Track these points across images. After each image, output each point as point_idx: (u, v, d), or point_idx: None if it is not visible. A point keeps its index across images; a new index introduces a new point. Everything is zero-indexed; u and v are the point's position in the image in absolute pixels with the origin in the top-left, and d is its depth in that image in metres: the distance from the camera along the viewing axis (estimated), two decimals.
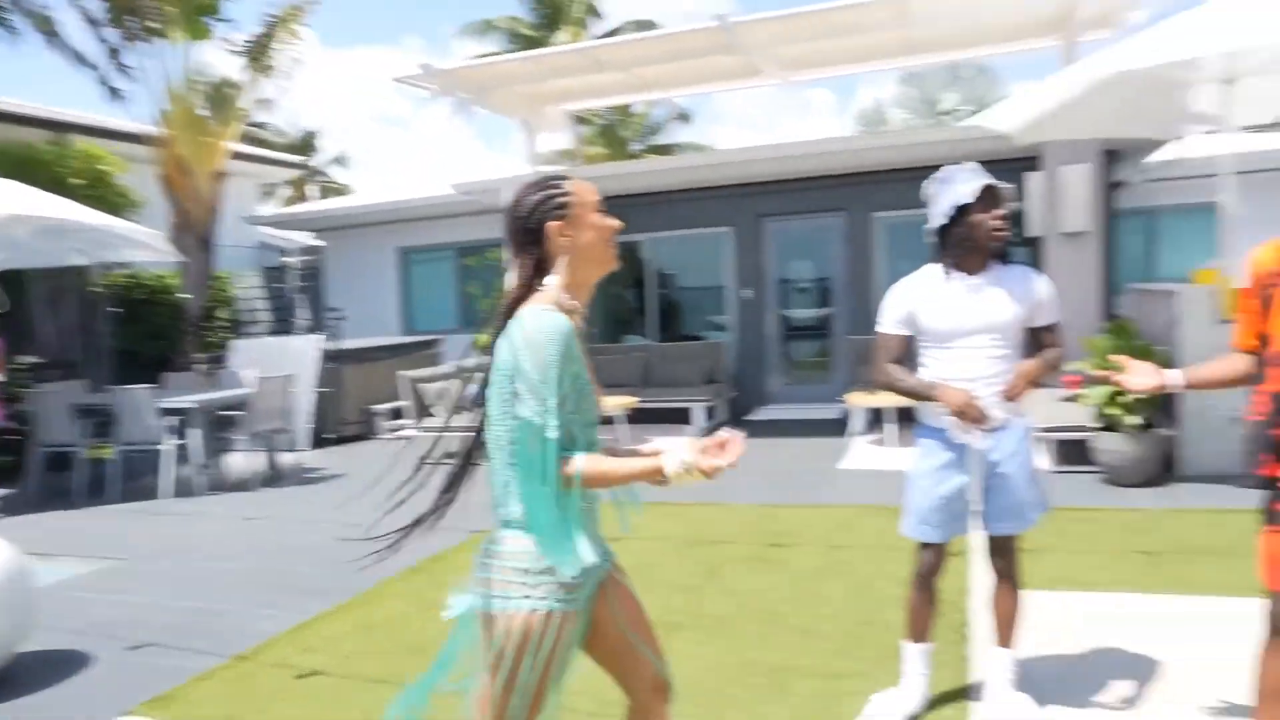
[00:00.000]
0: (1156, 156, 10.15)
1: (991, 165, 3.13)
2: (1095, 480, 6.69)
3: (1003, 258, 3.08)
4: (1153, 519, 5.60)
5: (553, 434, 1.87)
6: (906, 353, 3.15)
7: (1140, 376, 2.61)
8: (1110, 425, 6.55)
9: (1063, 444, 7.18)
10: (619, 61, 9.83)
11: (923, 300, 3.07)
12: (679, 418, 10.24)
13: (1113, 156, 10.09)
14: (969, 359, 3.03)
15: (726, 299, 11.67)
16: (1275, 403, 2.35)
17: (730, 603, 4.49)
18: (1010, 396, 2.97)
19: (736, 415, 10.91)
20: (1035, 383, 3.01)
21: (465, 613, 2.03)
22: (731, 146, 26.73)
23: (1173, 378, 2.59)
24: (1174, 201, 11.45)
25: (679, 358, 10.88)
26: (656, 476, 1.93)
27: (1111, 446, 6.52)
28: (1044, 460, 7.18)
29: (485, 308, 13.39)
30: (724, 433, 1.97)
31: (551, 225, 2.00)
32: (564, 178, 2.07)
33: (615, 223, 2.11)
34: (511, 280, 2.02)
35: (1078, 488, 6.48)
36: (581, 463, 1.92)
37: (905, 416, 8.33)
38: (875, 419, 9.39)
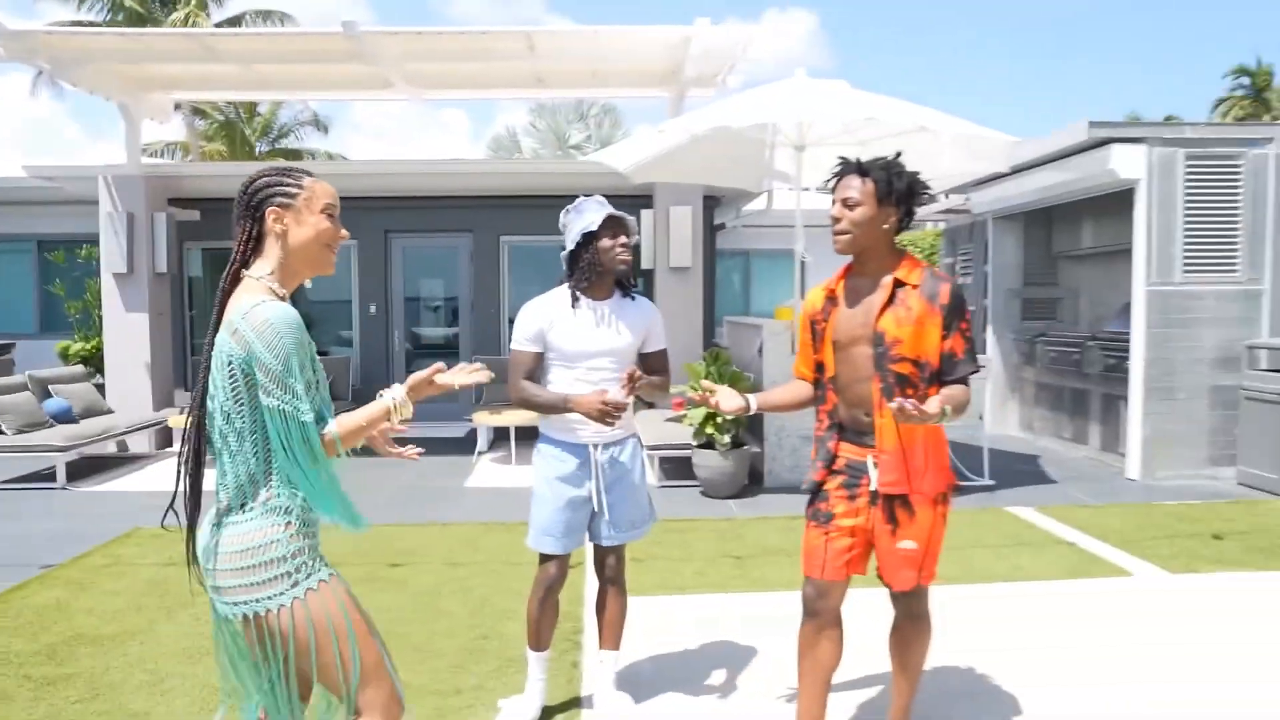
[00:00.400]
0: (751, 206, 11.46)
1: (612, 200, 3.38)
2: (694, 493, 7.37)
3: (624, 287, 3.33)
4: (740, 526, 6.28)
5: (307, 417, 1.95)
6: (538, 369, 3.27)
7: (727, 399, 2.96)
8: (708, 443, 7.26)
9: (668, 460, 7.84)
10: (235, 54, 9.15)
11: (553, 321, 3.22)
12: None
13: (714, 202, 11.22)
14: (590, 379, 3.22)
15: (352, 314, 11.32)
16: (830, 419, 2.86)
17: None
18: (629, 383, 3.10)
19: None
20: (646, 388, 3.24)
21: (225, 628, 2.04)
22: (361, 158, 25.94)
23: (752, 401, 2.97)
24: (764, 246, 12.95)
25: None
26: (386, 417, 2.08)
27: (707, 463, 7.23)
28: (652, 476, 7.77)
29: (73, 311, 11.78)
30: (460, 366, 2.18)
31: (271, 210, 2.04)
32: (308, 173, 2.12)
33: (341, 231, 2.15)
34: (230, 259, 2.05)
35: (680, 500, 7.09)
36: (334, 428, 2.02)
37: (528, 435, 8.57)
38: (501, 437, 9.58)
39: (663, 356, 3.40)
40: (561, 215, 3.30)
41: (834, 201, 2.75)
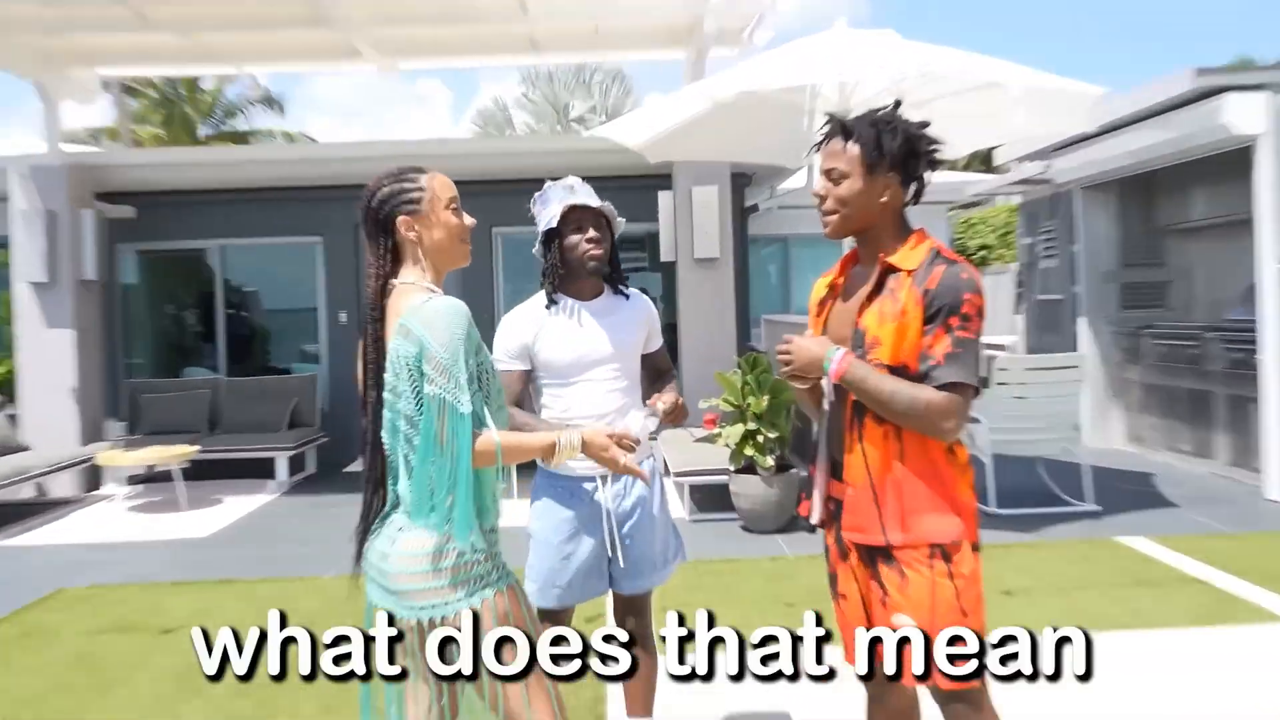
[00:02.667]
0: (788, 184, 11.41)
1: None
2: (734, 528, 7.29)
3: (613, 282, 3.30)
4: (792, 566, 6.21)
5: (465, 409, 2.20)
6: (526, 391, 3.25)
7: (805, 355, 2.56)
8: (748, 467, 7.19)
9: (700, 490, 7.76)
10: (173, 21, 9.17)
11: (538, 331, 3.21)
12: (256, 470, 9.73)
13: (745, 180, 11.18)
14: (592, 394, 3.19)
15: (319, 323, 11.36)
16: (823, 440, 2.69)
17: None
18: (663, 415, 3.12)
19: (329, 466, 10.56)
20: (677, 415, 3.21)
21: (379, 628, 2.33)
22: (329, 140, 26.11)
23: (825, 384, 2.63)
24: (806, 230, 12.87)
25: (257, 395, 10.41)
26: (549, 453, 2.40)
27: (748, 490, 7.16)
28: (681, 508, 7.70)
29: None
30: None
31: (401, 220, 2.37)
32: (420, 170, 2.45)
33: (469, 221, 2.48)
34: (369, 272, 2.38)
35: (717, 537, 7.03)
36: (496, 435, 2.28)
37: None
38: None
39: (665, 354, 3.47)
40: (531, 205, 3.30)
41: (818, 175, 2.57)
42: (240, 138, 24.26)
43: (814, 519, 2.71)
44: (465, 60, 11.34)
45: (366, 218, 2.41)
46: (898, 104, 2.59)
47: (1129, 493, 8.09)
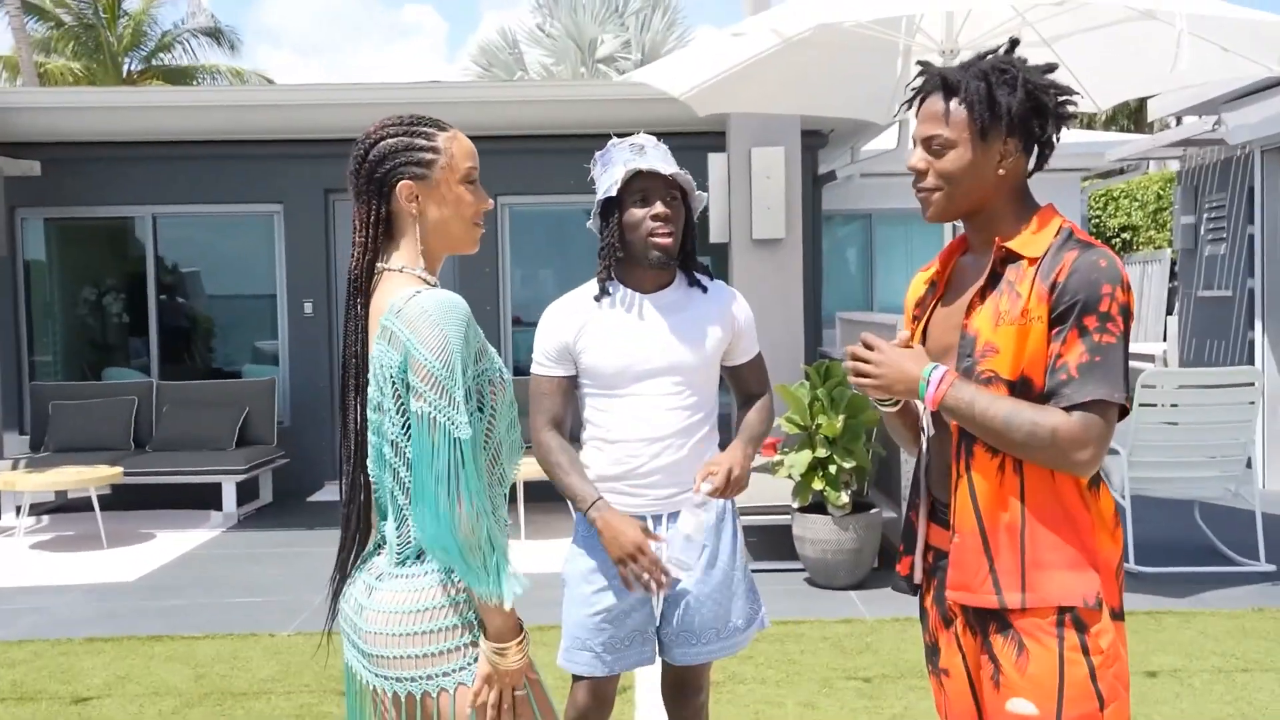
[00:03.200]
0: (873, 144, 11.41)
1: (667, 141, 3.38)
2: (797, 580, 7.34)
3: (689, 271, 3.35)
4: (869, 632, 6.25)
5: (464, 432, 2.19)
6: (569, 402, 3.32)
7: (891, 367, 2.54)
8: (817, 505, 7.23)
9: (756, 531, 7.81)
10: None
11: (581, 328, 3.26)
12: (196, 499, 9.88)
13: (819, 140, 11.19)
14: (645, 411, 3.25)
15: (279, 315, 11.51)
16: (922, 479, 2.70)
17: None
18: (719, 493, 3.18)
19: (288, 494, 10.71)
20: (746, 476, 3.25)
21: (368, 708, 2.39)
22: (290, 83, 26.34)
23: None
24: (896, 205, 12.87)
25: (198, 404, 10.56)
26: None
27: (816, 534, 7.20)
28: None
29: None
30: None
31: (403, 186, 2.36)
32: (438, 125, 2.43)
33: (486, 202, 2.49)
34: (354, 249, 2.39)
35: (776, 591, 7.04)
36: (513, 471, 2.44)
37: (545, 493, 8.66)
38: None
39: (760, 368, 3.45)
40: (591, 166, 3.34)
41: (913, 140, 2.56)
42: (178, 76, 24.52)
43: (916, 577, 2.70)
44: None
45: (359, 172, 2.39)
46: (1014, 43, 2.57)
47: None
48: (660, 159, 3.21)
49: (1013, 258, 2.48)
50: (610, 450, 3.27)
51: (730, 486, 3.17)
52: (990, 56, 2.51)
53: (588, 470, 3.28)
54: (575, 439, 3.35)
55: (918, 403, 2.59)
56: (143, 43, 24.67)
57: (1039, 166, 2.56)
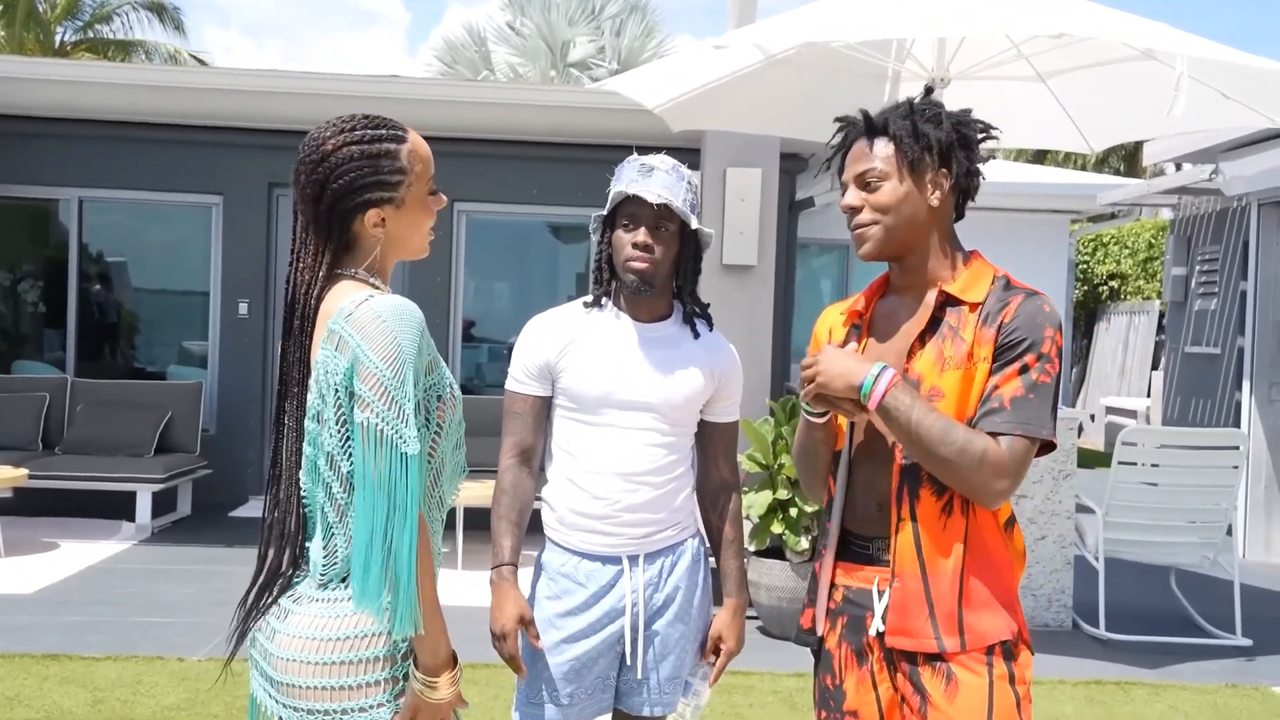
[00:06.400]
0: None
1: (641, 154, 3.38)
2: (751, 627, 7.30)
3: (689, 308, 3.40)
4: None
5: (411, 447, 2.16)
6: (542, 427, 3.29)
7: (834, 364, 2.63)
8: (773, 549, 7.22)
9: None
10: None
11: (568, 344, 3.24)
12: (108, 507, 9.81)
13: (798, 164, 11.23)
14: (620, 444, 3.21)
15: (211, 314, 11.45)
16: (830, 525, 2.82)
17: None
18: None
19: (209, 508, 10.61)
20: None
21: None
22: (236, 66, 26.20)
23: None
24: None
25: (116, 405, 10.47)
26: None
27: (772, 580, 7.20)
28: None
29: None
30: None
31: (372, 213, 2.33)
32: (395, 131, 2.36)
33: (441, 201, 2.48)
34: (300, 257, 2.35)
35: None
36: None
37: (483, 521, 8.59)
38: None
39: (731, 439, 3.46)
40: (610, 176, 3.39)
41: (844, 185, 2.71)
42: (121, 52, 24.33)
43: (820, 629, 2.79)
44: None
45: (317, 201, 2.33)
46: (929, 90, 2.78)
47: None
48: (660, 186, 3.17)
49: (952, 302, 2.64)
50: (583, 481, 3.23)
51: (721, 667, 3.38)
52: (909, 100, 2.70)
53: (558, 503, 3.26)
54: (542, 469, 3.35)
55: (847, 421, 2.72)
56: (78, 12, 24.39)
57: (962, 207, 2.73)
